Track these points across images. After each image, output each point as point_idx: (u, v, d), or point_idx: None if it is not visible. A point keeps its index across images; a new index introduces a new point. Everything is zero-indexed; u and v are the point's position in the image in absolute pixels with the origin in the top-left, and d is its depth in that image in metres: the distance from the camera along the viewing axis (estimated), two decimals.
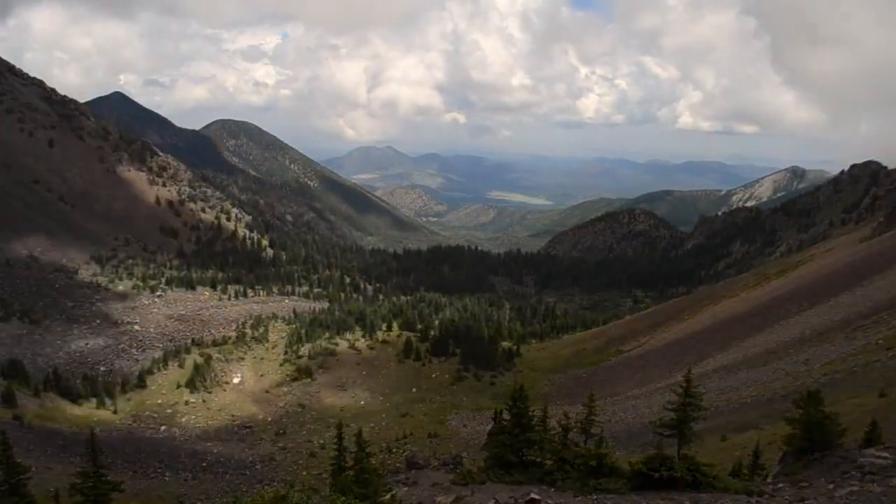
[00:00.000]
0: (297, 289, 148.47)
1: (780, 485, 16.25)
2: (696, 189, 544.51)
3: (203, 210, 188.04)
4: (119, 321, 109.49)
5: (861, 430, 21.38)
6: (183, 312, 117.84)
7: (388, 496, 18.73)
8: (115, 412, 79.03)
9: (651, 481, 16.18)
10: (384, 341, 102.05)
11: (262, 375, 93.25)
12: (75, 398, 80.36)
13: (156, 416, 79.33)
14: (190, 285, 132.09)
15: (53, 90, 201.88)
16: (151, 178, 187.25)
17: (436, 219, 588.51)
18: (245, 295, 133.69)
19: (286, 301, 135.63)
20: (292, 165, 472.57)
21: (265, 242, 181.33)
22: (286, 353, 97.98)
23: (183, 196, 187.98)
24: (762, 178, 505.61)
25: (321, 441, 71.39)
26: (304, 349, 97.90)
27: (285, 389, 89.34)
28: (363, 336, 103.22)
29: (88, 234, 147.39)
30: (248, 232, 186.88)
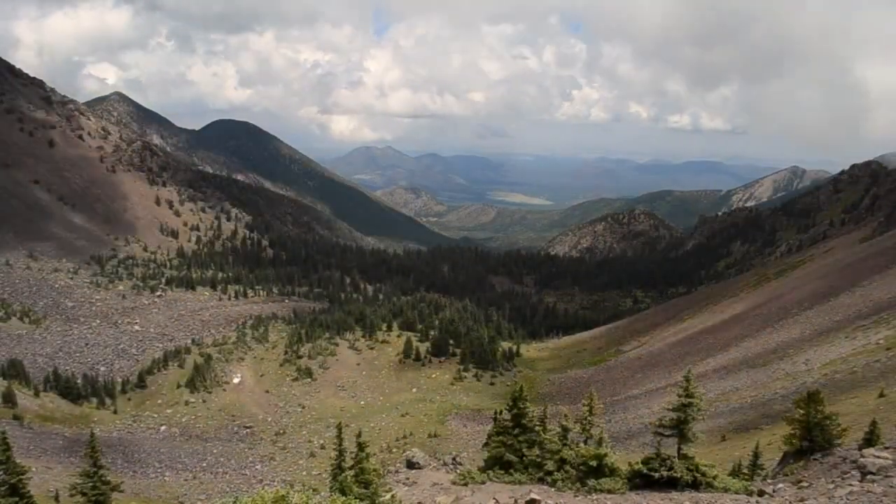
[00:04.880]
0: (297, 289, 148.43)
1: (780, 485, 16.25)
2: (696, 189, 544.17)
3: (203, 210, 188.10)
4: (119, 321, 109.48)
5: (861, 430, 21.39)
6: (183, 312, 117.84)
7: (388, 496, 18.73)
8: (115, 412, 79.00)
9: (651, 481, 16.19)
10: (384, 341, 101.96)
11: (262, 375, 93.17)
12: (75, 398, 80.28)
13: (156, 416, 79.28)
14: (190, 285, 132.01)
15: (53, 90, 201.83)
16: (151, 178, 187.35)
17: (436, 219, 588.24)
18: (245, 295, 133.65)
19: (286, 301, 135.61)
20: (292, 165, 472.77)
21: (265, 242, 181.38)
22: (286, 353, 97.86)
23: (183, 196, 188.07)
24: (762, 178, 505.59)
25: (321, 441, 71.42)
26: (304, 349, 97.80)
27: (285, 389, 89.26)
28: (363, 336, 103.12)
29: (88, 234, 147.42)
30: (248, 232, 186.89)
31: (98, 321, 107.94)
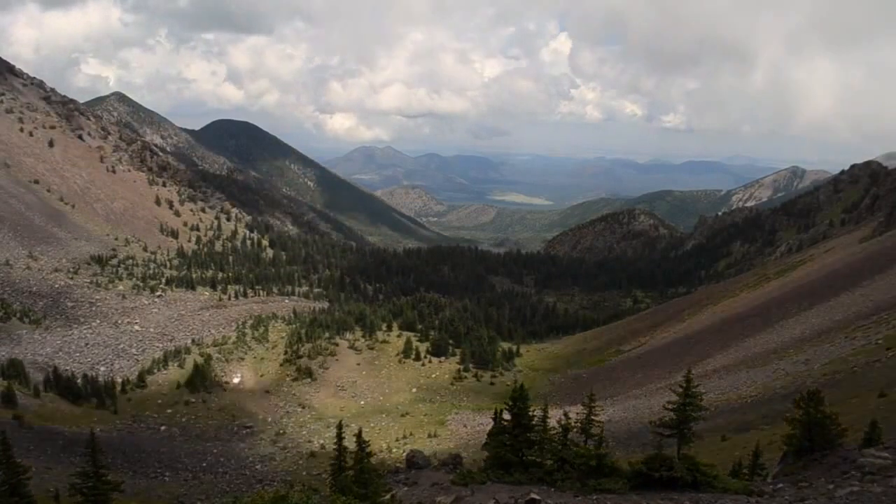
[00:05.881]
0: (297, 289, 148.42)
1: (780, 485, 16.25)
2: (696, 189, 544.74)
3: (203, 210, 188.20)
4: (119, 321, 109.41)
5: (861, 430, 21.39)
6: (183, 312, 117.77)
7: (388, 496, 18.74)
8: (115, 412, 78.92)
9: (651, 481, 16.18)
10: (384, 341, 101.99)
11: (262, 375, 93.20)
12: (75, 398, 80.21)
13: (156, 416, 79.25)
14: (190, 285, 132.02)
15: (53, 90, 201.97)
16: (151, 178, 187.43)
17: (436, 219, 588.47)
18: (245, 295, 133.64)
19: (286, 301, 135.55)
20: (292, 165, 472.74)
21: (265, 242, 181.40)
22: (286, 353, 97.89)
23: (183, 196, 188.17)
24: (762, 178, 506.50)
25: (321, 441, 71.41)
26: (304, 349, 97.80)
27: (285, 389, 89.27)
28: (363, 336, 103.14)
29: (88, 234, 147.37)
30: (248, 232, 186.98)
31: (98, 321, 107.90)
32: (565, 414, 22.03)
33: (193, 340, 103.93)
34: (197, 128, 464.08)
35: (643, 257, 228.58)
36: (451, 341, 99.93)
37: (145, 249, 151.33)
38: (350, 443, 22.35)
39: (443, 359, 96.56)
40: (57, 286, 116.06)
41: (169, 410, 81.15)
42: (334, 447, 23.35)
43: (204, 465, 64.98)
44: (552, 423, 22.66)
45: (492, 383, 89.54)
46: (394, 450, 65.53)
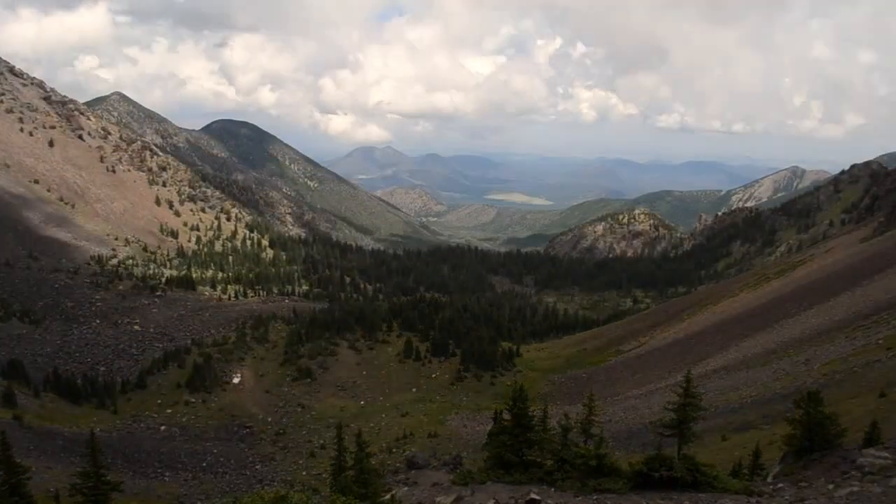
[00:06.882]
0: (297, 289, 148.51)
1: (780, 485, 16.25)
2: (696, 189, 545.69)
3: (203, 210, 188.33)
4: (119, 321, 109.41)
5: (861, 430, 21.41)
6: (183, 312, 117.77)
7: (388, 496, 18.74)
8: (115, 412, 78.94)
9: (651, 481, 16.17)
10: (384, 341, 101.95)
11: (262, 375, 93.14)
12: (75, 398, 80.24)
13: (156, 416, 79.26)
14: (190, 285, 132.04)
15: (53, 90, 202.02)
16: (151, 178, 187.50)
17: (436, 219, 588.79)
18: (245, 295, 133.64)
19: (286, 301, 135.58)
20: (292, 165, 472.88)
21: (265, 242, 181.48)
22: (286, 353, 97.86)
23: (183, 196, 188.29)
24: (762, 178, 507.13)
25: (321, 441, 71.37)
26: (304, 349, 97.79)
27: (285, 389, 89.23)
28: (363, 336, 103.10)
29: (88, 234, 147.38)
30: (248, 232, 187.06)
31: (98, 321, 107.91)
32: (565, 414, 22.03)
33: (193, 340, 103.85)
34: (197, 127, 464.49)
35: (643, 257, 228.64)
36: (451, 341, 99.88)
37: (145, 249, 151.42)
38: (350, 443, 22.39)
39: (443, 359, 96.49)
40: (57, 286, 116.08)
41: (169, 410, 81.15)
42: (334, 447, 23.37)
43: (204, 465, 65.02)
44: (552, 423, 22.67)
45: (492, 383, 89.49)
46: (394, 450, 65.49)
